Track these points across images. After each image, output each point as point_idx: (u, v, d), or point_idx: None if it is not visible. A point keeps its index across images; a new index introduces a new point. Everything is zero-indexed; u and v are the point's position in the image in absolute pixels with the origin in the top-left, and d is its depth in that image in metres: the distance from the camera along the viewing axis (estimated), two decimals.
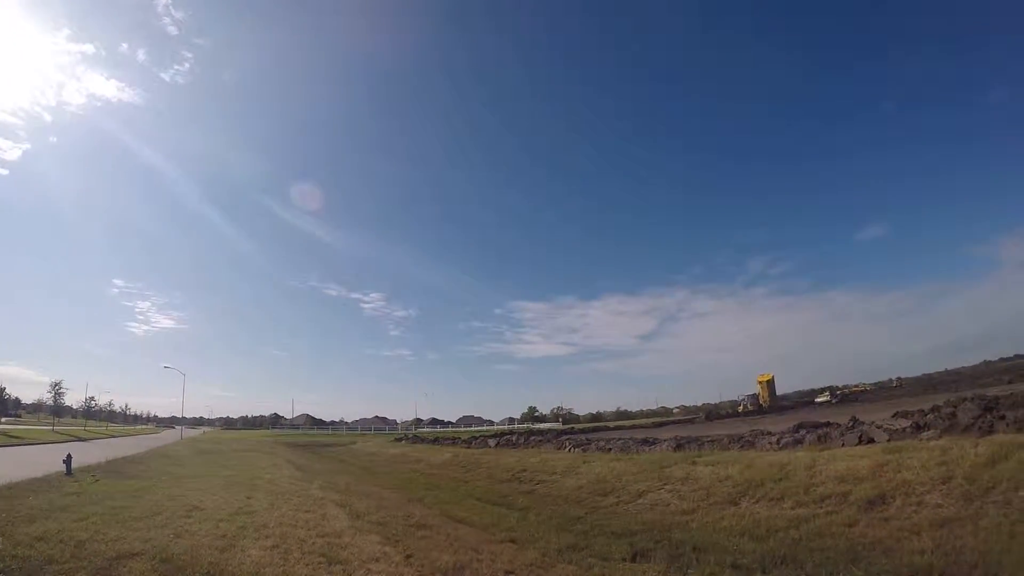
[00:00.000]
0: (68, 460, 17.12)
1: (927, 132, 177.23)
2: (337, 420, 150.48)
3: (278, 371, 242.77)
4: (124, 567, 6.44)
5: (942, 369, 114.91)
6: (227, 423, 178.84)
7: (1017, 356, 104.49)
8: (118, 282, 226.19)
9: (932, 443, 11.45)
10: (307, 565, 7.15)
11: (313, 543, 8.39)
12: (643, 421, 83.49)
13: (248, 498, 12.88)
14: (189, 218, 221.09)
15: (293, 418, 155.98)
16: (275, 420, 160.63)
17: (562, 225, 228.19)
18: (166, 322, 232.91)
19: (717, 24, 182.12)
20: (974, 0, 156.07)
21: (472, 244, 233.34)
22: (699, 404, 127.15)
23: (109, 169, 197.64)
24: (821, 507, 10.13)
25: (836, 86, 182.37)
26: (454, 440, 46.59)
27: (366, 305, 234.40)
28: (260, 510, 11.24)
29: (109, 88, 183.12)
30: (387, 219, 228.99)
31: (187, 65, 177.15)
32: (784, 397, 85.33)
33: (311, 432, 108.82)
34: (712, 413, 76.38)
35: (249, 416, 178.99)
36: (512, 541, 10.12)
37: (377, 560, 7.69)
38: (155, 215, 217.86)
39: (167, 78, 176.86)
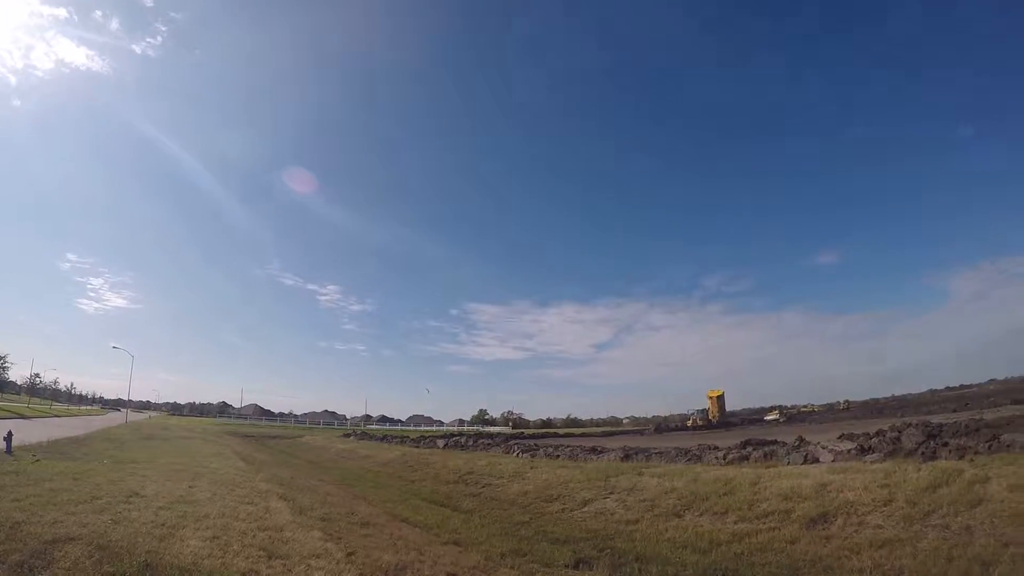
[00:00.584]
0: (8, 438, 16.60)
1: (888, 163, 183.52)
2: (286, 412, 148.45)
3: (229, 358, 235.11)
4: (60, 551, 6.21)
5: (889, 395, 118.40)
6: (174, 408, 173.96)
7: (962, 386, 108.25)
8: (71, 256, 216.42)
9: (876, 466, 11.78)
10: (247, 558, 6.95)
11: (254, 536, 8.19)
12: (593, 430, 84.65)
13: (190, 487, 12.53)
14: (149, 195, 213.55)
15: (241, 407, 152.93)
16: (223, 408, 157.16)
17: (521, 230, 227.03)
18: (118, 301, 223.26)
19: (685, 44, 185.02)
20: (941, 33, 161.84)
21: (432, 242, 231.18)
22: (649, 416, 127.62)
23: (72, 138, 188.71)
24: (764, 523, 10.31)
25: (799, 113, 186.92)
26: (402, 439, 46.73)
27: (322, 297, 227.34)
28: (202, 500, 10.93)
29: (79, 55, 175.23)
30: (350, 210, 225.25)
31: (160, 39, 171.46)
32: (733, 413, 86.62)
33: (259, 423, 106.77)
34: (662, 425, 77.18)
35: (197, 403, 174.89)
36: (456, 543, 10.08)
37: (318, 556, 7.54)
38: (115, 189, 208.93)
39: (138, 50, 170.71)
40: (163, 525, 8.19)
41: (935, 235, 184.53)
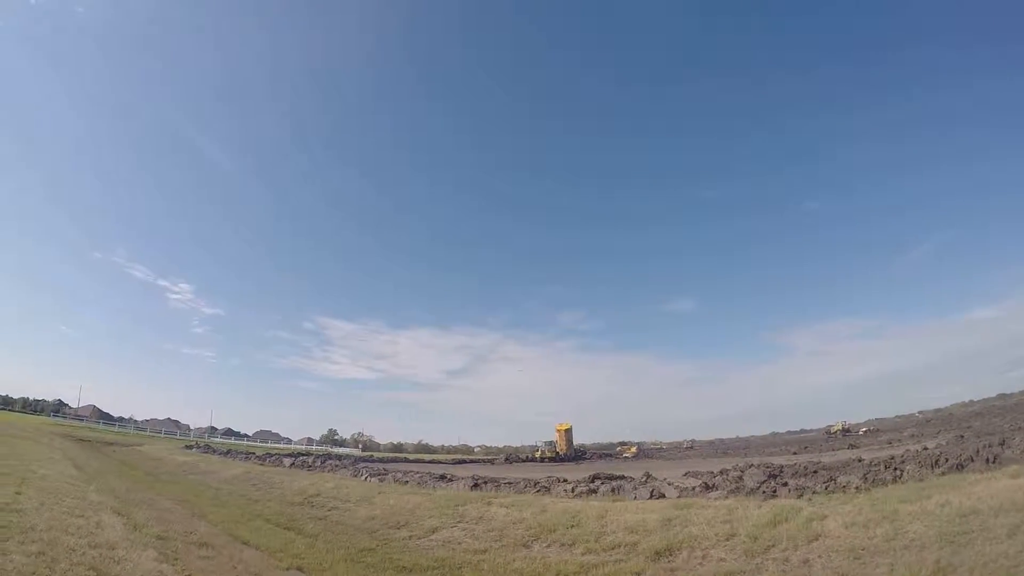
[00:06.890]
0: None
1: (742, 229, 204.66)
2: (127, 417, 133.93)
3: (67, 352, 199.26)
4: None
5: (733, 436, 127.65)
6: (4, 403, 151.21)
7: (803, 430, 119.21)
8: None
9: (719, 502, 12.24)
10: None
11: (84, 553, 7.57)
12: (443, 457, 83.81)
13: (16, 494, 11.33)
14: None
15: (79, 408, 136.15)
16: (59, 407, 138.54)
17: (382, 248, 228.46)
18: None
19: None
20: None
21: (292, 251, 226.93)
22: (500, 446, 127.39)
23: None
24: (610, 555, 10.32)
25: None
26: (247, 455, 44.69)
27: (173, 295, 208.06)
28: (29, 509, 9.98)
29: None
30: (210, 203, 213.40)
31: None
32: (582, 447, 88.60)
33: (97, 426, 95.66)
34: (512, 456, 77.41)
35: (30, 398, 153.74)
36: (299, 568, 9.66)
37: None
38: None
39: None
40: None
41: (779, 293, 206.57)
